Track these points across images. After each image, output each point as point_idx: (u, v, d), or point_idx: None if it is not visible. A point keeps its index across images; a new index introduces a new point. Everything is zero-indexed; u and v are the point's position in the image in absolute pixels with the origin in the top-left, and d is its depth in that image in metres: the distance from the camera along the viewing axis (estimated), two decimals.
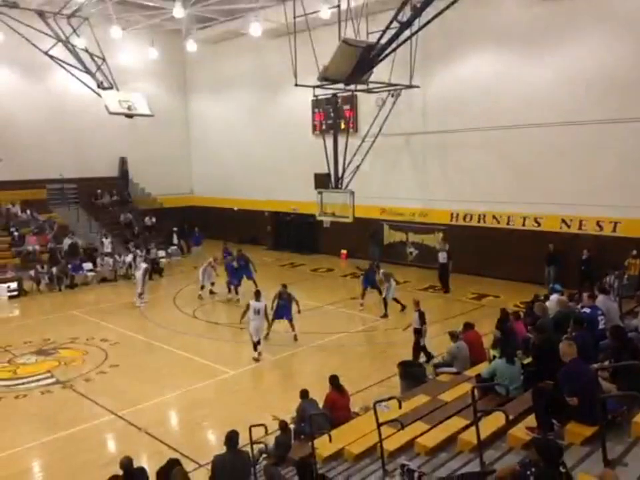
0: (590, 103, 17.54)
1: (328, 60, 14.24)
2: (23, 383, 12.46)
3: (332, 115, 22.68)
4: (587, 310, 9.07)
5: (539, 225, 19.39)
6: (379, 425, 6.94)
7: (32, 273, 21.23)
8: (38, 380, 12.58)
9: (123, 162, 29.80)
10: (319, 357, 13.71)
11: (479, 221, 20.96)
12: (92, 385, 12.25)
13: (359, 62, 14.40)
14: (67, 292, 21.26)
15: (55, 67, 22.04)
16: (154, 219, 27.73)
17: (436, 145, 21.80)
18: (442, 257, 19.57)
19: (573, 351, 6.20)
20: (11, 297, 20.18)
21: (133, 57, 28.55)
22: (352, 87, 17.16)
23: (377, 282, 17.17)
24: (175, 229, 27.66)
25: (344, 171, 19.38)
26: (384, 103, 21.21)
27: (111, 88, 20.76)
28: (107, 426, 10.47)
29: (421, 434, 7.39)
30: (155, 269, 23.51)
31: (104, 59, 20.79)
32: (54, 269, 21.56)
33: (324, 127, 24.20)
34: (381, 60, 14.58)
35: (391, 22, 13.35)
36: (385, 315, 16.41)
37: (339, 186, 19.22)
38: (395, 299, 16.87)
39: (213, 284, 19.73)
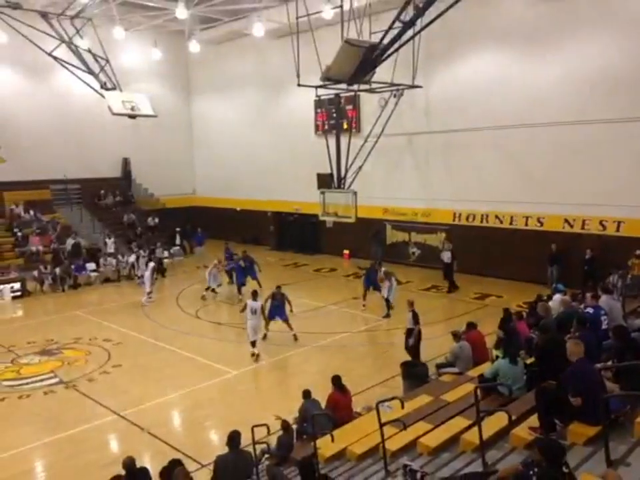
0: (594, 102, 17.49)
1: (331, 60, 14.26)
2: (27, 383, 12.50)
3: (334, 115, 22.69)
4: (590, 310, 9.04)
5: (542, 224, 19.35)
6: (382, 425, 6.94)
7: (35, 273, 21.29)
8: (41, 380, 12.62)
9: (126, 162, 29.85)
10: (321, 357, 13.71)
11: (481, 221, 20.93)
12: (95, 385, 12.28)
13: (362, 62, 14.41)
14: (70, 292, 21.32)
15: (58, 68, 22.13)
16: (157, 220, 27.79)
17: (438, 145, 21.77)
18: (446, 257, 19.55)
19: (580, 350, 6.17)
20: (14, 298, 20.24)
21: (136, 58, 28.64)
22: (354, 87, 17.16)
23: (377, 282, 17.14)
24: (178, 229, 27.70)
25: (346, 171, 19.36)
26: (386, 102, 21.19)
27: (114, 89, 20.83)
28: (110, 426, 10.49)
29: (424, 434, 7.38)
30: (158, 269, 23.55)
31: (107, 60, 20.87)
32: (57, 270, 21.62)
33: (326, 127, 24.21)
34: (384, 60, 14.59)
35: (394, 22, 13.34)
36: (387, 315, 16.40)
37: (342, 186, 19.21)
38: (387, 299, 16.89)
39: (219, 285, 19.82)
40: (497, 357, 9.45)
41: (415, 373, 10.83)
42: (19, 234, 23.80)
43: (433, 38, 18.91)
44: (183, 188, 31.98)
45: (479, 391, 6.61)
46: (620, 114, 16.89)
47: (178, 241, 27.50)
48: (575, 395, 5.86)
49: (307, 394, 8.94)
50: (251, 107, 29.04)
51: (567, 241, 18.43)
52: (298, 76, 16.32)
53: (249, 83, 28.78)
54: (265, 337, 14.77)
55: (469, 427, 6.97)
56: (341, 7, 15.63)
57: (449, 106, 20.96)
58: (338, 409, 8.85)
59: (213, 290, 19.60)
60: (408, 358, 11.71)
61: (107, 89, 20.74)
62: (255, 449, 8.02)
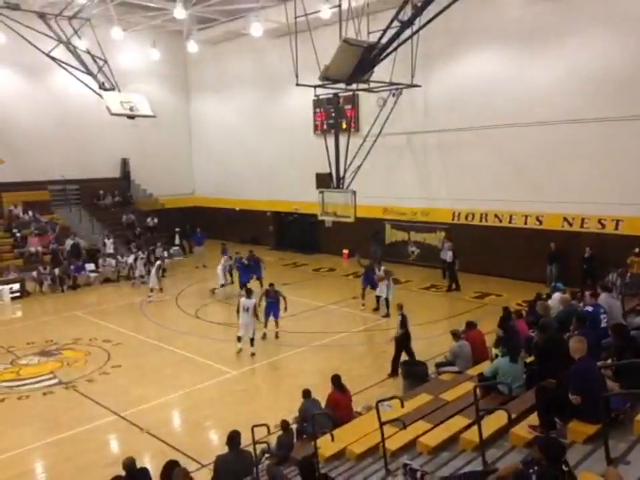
0: (592, 101, 17.50)
1: (329, 60, 14.25)
2: (26, 384, 12.48)
3: (333, 114, 22.68)
4: (590, 308, 9.04)
5: (541, 223, 19.36)
6: (381, 425, 6.94)
7: (34, 274, 21.26)
8: (41, 381, 12.60)
9: (125, 163, 29.83)
10: (321, 356, 13.71)
11: (480, 220, 20.94)
12: (94, 386, 12.26)
13: (360, 61, 14.41)
14: (69, 293, 21.30)
15: (56, 69, 22.13)
16: (156, 220, 27.77)
17: (438, 144, 21.78)
18: (448, 256, 19.55)
19: (583, 347, 6.13)
20: (13, 298, 20.21)
21: (135, 58, 28.62)
22: (353, 86, 17.14)
23: (376, 281, 17.15)
24: (177, 229, 27.69)
25: (345, 170, 19.35)
26: (385, 102, 21.20)
27: (113, 89, 20.83)
28: (110, 426, 10.48)
29: (423, 433, 7.39)
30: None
31: (105, 60, 20.86)
32: (56, 270, 21.60)
33: (325, 126, 24.20)
34: (382, 59, 14.59)
35: (392, 21, 13.35)
36: (387, 315, 16.40)
37: (341, 186, 19.19)
38: (378, 297, 16.98)
39: (226, 283, 20.03)
40: (497, 355, 9.46)
41: (414, 372, 10.83)
42: (18, 235, 23.78)
43: (432, 37, 18.87)
44: (182, 188, 31.97)
45: (478, 390, 6.61)
46: (619, 112, 16.89)
47: (177, 241, 27.49)
48: (575, 393, 5.86)
49: (306, 393, 8.94)
50: (250, 106, 29.02)
51: (566, 239, 18.44)
52: (296, 75, 16.30)
53: (247, 83, 28.77)
54: (264, 336, 14.80)
55: (469, 426, 6.97)
56: (339, 6, 15.62)
57: (447, 105, 20.96)
58: (338, 409, 8.85)
59: (222, 285, 19.80)
60: (407, 357, 11.70)
61: (106, 90, 20.74)
62: (255, 449, 8.02)
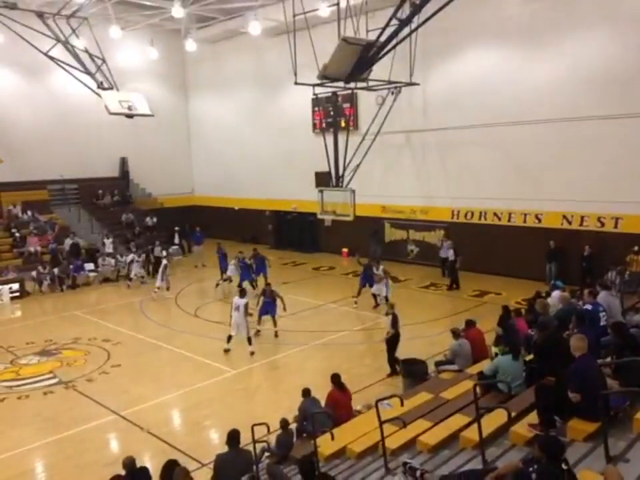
0: (591, 98, 17.50)
1: (328, 58, 14.24)
2: (26, 384, 12.47)
3: (332, 113, 22.66)
4: (589, 306, 9.05)
5: (540, 221, 19.36)
6: (381, 423, 6.95)
7: (34, 273, 21.25)
8: (40, 380, 12.60)
9: (124, 162, 29.81)
10: (320, 355, 13.71)
11: (479, 218, 20.94)
12: (94, 385, 12.26)
13: (359, 60, 14.41)
14: (68, 292, 21.29)
15: (55, 68, 22.08)
16: (155, 219, 27.73)
17: (436, 142, 21.77)
18: (450, 254, 19.56)
19: (584, 345, 6.14)
20: (13, 298, 20.17)
21: (133, 57, 28.58)
22: (352, 84, 17.14)
23: (374, 280, 17.19)
24: (177, 228, 27.68)
25: (344, 169, 19.37)
26: (384, 100, 21.20)
27: (111, 88, 20.79)
28: (110, 426, 10.48)
29: (423, 432, 7.39)
30: (156, 269, 23.50)
31: (103, 60, 20.82)
32: (56, 270, 21.58)
33: (324, 125, 24.17)
34: (381, 58, 14.59)
35: (390, 19, 13.35)
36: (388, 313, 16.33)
37: (340, 184, 19.21)
38: (374, 295, 17.05)
39: (230, 281, 20.21)
40: (496, 354, 9.46)
41: (414, 371, 10.83)
42: (17, 234, 23.75)
43: (430, 35, 18.85)
44: (181, 187, 31.94)
45: (478, 388, 6.61)
46: (618, 110, 16.90)
47: (176, 241, 27.47)
48: (575, 391, 5.86)
49: (306, 392, 8.94)
50: (248, 105, 29.00)
51: (566, 237, 18.45)
52: (295, 74, 16.30)
53: (246, 82, 28.74)
54: (257, 332, 14.93)
55: (469, 424, 6.98)
56: (338, 4, 15.62)
57: (446, 103, 20.95)
58: (338, 407, 8.86)
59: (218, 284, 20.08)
60: (406, 356, 11.67)
61: (104, 89, 20.70)
62: (254, 448, 8.02)
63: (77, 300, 20.19)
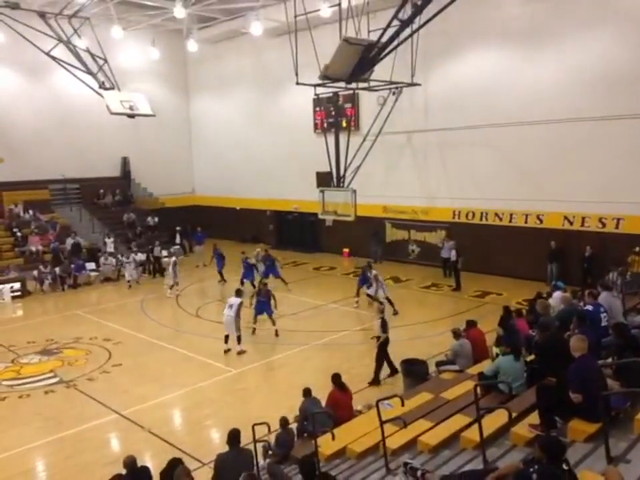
0: (592, 99, 17.48)
1: (329, 59, 14.24)
2: (27, 383, 12.50)
3: (333, 113, 22.66)
4: (590, 307, 9.04)
5: (541, 222, 19.35)
6: (382, 423, 6.94)
7: (35, 273, 21.28)
8: (42, 380, 12.62)
9: (125, 162, 29.84)
10: (321, 355, 13.72)
11: (481, 219, 20.93)
12: (95, 385, 12.28)
13: (360, 60, 14.40)
14: (69, 292, 21.31)
15: (57, 68, 22.08)
16: (156, 219, 27.77)
17: (438, 143, 21.77)
18: (452, 255, 19.55)
19: (584, 346, 6.14)
20: (14, 297, 20.21)
21: (134, 57, 28.60)
22: (353, 85, 17.14)
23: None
24: (178, 228, 27.70)
25: (345, 169, 19.35)
26: (385, 101, 21.19)
27: (113, 88, 20.80)
28: (110, 425, 10.50)
29: (424, 432, 7.39)
30: (155, 268, 23.57)
31: (105, 59, 20.83)
32: (57, 269, 21.61)
33: (325, 125, 24.16)
34: (382, 58, 14.58)
35: (392, 20, 13.34)
36: (395, 312, 16.36)
37: (341, 184, 19.20)
38: (369, 295, 17.11)
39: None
40: (497, 354, 9.46)
41: (415, 371, 10.83)
42: (19, 234, 23.79)
43: (432, 35, 18.87)
44: (182, 187, 31.97)
45: (479, 389, 6.61)
46: (619, 111, 16.89)
47: (178, 240, 27.50)
48: (575, 391, 5.86)
49: (307, 392, 8.95)
50: (250, 105, 29.01)
51: (567, 238, 18.44)
52: (296, 74, 16.30)
53: (247, 82, 28.76)
54: (253, 331, 15.08)
55: (470, 425, 6.97)
56: (339, 5, 15.61)
57: (447, 104, 20.95)
58: (338, 408, 8.86)
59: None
60: (407, 356, 11.68)
61: (105, 89, 20.72)
62: (255, 448, 8.02)
63: (78, 299, 20.21)
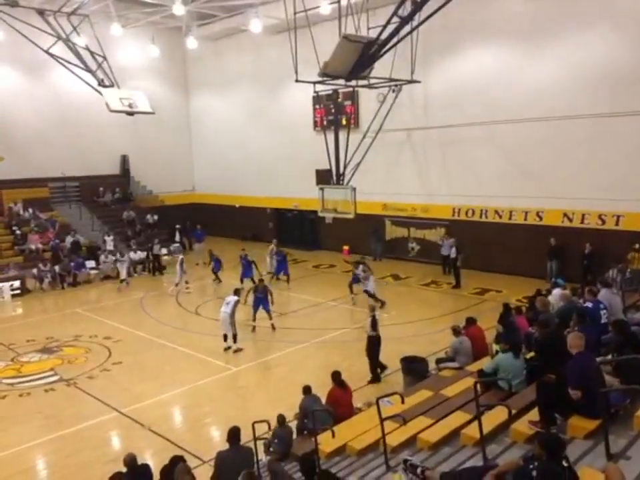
0: (593, 96, 17.46)
1: (329, 56, 14.23)
2: (27, 381, 12.52)
3: (333, 110, 22.63)
4: (590, 304, 9.04)
5: (541, 219, 19.35)
6: (382, 420, 6.95)
7: (35, 271, 21.27)
8: (42, 378, 12.63)
9: (125, 160, 29.81)
10: (321, 352, 13.73)
11: (480, 216, 20.93)
12: (95, 383, 12.29)
13: (360, 57, 14.40)
14: (69, 290, 21.31)
15: (56, 65, 22.08)
16: (156, 217, 27.76)
17: (437, 140, 21.74)
18: (452, 252, 19.55)
19: (581, 343, 6.16)
20: (14, 296, 20.20)
21: (134, 55, 28.55)
22: (353, 82, 17.13)
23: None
24: (178, 226, 27.70)
25: (345, 166, 19.35)
26: (385, 98, 21.16)
27: (112, 86, 20.81)
28: (111, 423, 10.51)
29: (424, 429, 7.39)
30: (155, 267, 23.57)
31: (104, 57, 20.82)
32: (56, 267, 21.61)
33: (325, 122, 24.14)
34: (382, 55, 14.58)
35: (392, 17, 13.35)
36: (382, 303, 16.60)
37: (341, 182, 19.20)
38: (366, 292, 17.16)
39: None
40: (497, 351, 9.46)
41: (415, 368, 10.84)
42: (18, 232, 23.76)
43: (432, 33, 18.86)
44: (181, 185, 31.95)
45: (478, 386, 6.61)
46: (619, 108, 16.86)
47: (177, 238, 27.50)
48: (574, 388, 5.86)
49: (307, 390, 8.96)
50: (249, 103, 28.98)
51: (567, 235, 18.43)
52: (296, 72, 16.28)
53: (246, 79, 28.72)
54: (253, 329, 15.12)
55: (469, 422, 6.98)
56: (339, 2, 15.59)
57: (447, 101, 20.92)
58: (338, 405, 8.87)
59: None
60: (407, 353, 11.69)
61: (105, 86, 20.71)
62: (255, 445, 8.03)
63: (78, 297, 20.21)
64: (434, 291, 19.32)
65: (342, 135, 19.62)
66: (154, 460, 8.10)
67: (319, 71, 14.85)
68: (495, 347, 9.93)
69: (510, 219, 20.12)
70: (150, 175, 30.00)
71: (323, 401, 8.96)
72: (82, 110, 26.55)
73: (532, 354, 8.47)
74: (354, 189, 17.93)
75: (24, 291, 20.62)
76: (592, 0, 17.39)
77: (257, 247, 25.12)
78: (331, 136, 19.67)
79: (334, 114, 22.11)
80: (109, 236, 24.59)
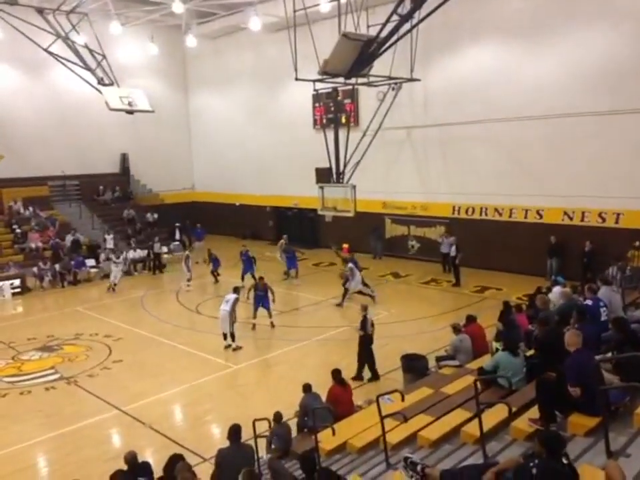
0: (592, 94, 17.44)
1: (328, 54, 14.21)
2: (28, 379, 12.53)
3: (332, 109, 22.61)
4: (589, 302, 9.05)
5: (541, 217, 19.35)
6: (382, 418, 6.96)
7: (35, 269, 21.27)
8: (42, 376, 12.65)
9: (124, 158, 29.80)
10: (321, 350, 13.74)
11: (480, 214, 20.92)
12: (96, 381, 12.30)
13: (359, 56, 14.38)
14: (69, 288, 21.32)
15: (55, 64, 22.04)
16: (156, 215, 27.74)
17: (437, 138, 21.73)
18: (452, 250, 19.55)
19: (578, 341, 6.17)
20: (14, 294, 20.22)
21: (133, 53, 28.52)
22: (352, 80, 17.11)
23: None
24: (178, 224, 27.69)
25: (345, 165, 19.35)
26: (385, 96, 21.15)
27: (111, 84, 20.77)
28: (111, 421, 10.52)
29: (424, 427, 7.40)
30: (155, 265, 23.57)
31: (104, 55, 20.79)
32: (57, 266, 21.61)
33: (325, 121, 24.11)
34: (381, 53, 14.56)
35: (391, 15, 13.32)
36: (372, 298, 16.87)
37: (340, 180, 19.20)
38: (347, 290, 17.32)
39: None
40: (497, 349, 9.47)
41: (415, 366, 10.85)
42: (18, 230, 23.77)
43: (431, 30, 18.83)
44: (181, 183, 31.94)
45: (479, 384, 6.62)
46: (619, 106, 16.86)
47: (177, 237, 27.50)
48: (573, 386, 5.87)
49: (307, 388, 8.97)
50: (249, 101, 28.96)
51: (567, 233, 18.43)
52: (296, 70, 16.27)
53: (246, 77, 28.69)
54: (253, 327, 15.12)
55: (470, 420, 6.98)
56: (338, 0, 15.57)
57: (447, 99, 20.91)
58: (338, 403, 8.87)
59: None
60: (407, 351, 11.70)
61: (104, 85, 20.68)
62: (256, 443, 8.04)
63: (78, 296, 20.22)
64: (434, 288, 19.32)
65: (342, 133, 19.62)
66: (154, 458, 8.11)
67: (318, 69, 14.83)
68: (495, 345, 9.94)
69: (510, 216, 20.12)
70: (150, 173, 30.00)
71: (323, 398, 8.96)
72: (81, 108, 26.55)
73: (532, 351, 8.48)
74: (354, 187, 17.93)
75: (24, 289, 20.63)
76: None
77: (257, 245, 25.14)
78: (330, 134, 19.66)
79: (333, 112, 22.10)
80: (109, 234, 24.59)
